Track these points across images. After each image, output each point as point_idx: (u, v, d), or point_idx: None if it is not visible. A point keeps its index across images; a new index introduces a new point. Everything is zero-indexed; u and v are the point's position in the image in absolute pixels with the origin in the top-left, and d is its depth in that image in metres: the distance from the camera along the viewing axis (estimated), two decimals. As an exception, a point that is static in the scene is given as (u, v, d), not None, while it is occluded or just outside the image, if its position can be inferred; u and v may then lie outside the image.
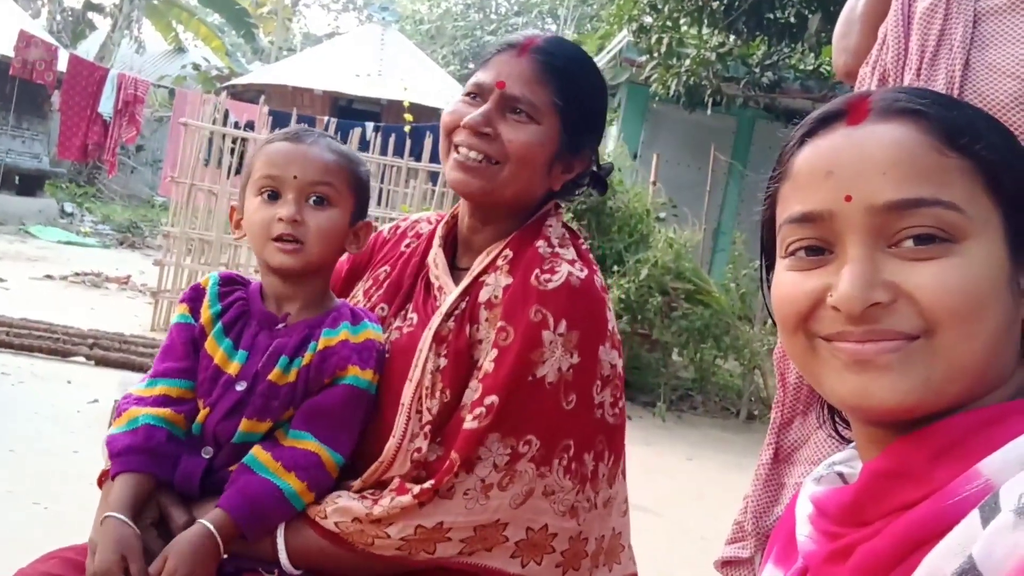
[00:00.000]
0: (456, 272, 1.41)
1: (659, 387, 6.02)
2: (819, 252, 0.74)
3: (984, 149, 0.72)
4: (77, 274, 8.62)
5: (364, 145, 7.07)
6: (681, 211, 7.39)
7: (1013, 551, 0.57)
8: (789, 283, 0.76)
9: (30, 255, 9.89)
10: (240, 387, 1.30)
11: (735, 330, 6.10)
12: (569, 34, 14.29)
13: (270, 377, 1.30)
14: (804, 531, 0.80)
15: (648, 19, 8.47)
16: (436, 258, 1.42)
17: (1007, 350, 0.72)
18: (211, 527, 1.21)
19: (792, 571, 0.82)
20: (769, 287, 0.82)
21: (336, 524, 1.24)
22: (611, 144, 9.12)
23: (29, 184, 14.32)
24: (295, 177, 1.33)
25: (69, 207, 15.04)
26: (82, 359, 5.11)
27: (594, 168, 1.45)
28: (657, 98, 9.39)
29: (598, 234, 6.05)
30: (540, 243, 1.34)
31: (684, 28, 8.42)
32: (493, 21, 24.22)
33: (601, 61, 10.79)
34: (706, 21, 7.98)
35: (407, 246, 1.50)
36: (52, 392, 4.35)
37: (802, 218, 0.75)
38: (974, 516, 0.62)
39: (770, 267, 0.83)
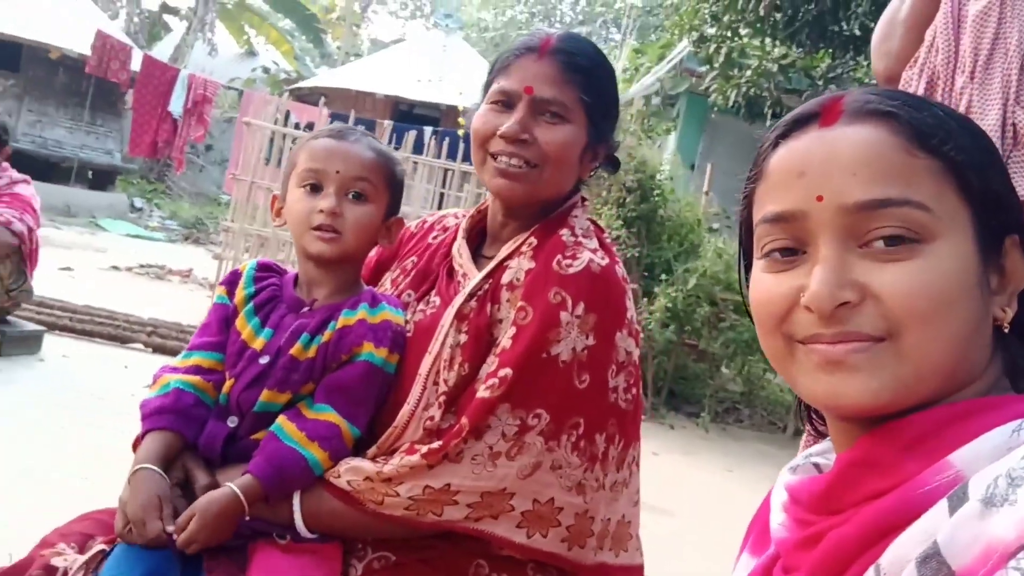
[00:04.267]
0: (481, 261, 1.46)
1: (704, 398, 5.98)
2: (793, 253, 0.76)
3: (953, 150, 0.73)
4: (142, 266, 8.91)
5: (419, 148, 7.17)
6: (734, 222, 7.31)
7: (978, 538, 0.58)
8: (765, 285, 0.77)
9: (98, 247, 10.24)
10: (263, 360, 1.38)
11: (784, 344, 5.99)
12: (632, 43, 14.22)
13: (291, 352, 1.37)
14: (778, 519, 0.81)
15: (710, 30, 8.42)
16: (460, 248, 1.48)
17: (978, 347, 0.73)
18: (238, 491, 1.27)
19: (764, 558, 0.84)
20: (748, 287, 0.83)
21: (349, 483, 1.29)
22: (668, 153, 9.08)
23: (101, 179, 14.85)
24: (337, 172, 1.41)
25: (139, 202, 15.53)
26: (140, 346, 5.29)
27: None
28: (716, 108, 9.32)
29: (648, 242, 6.04)
30: (564, 231, 1.39)
31: (746, 39, 8.35)
32: (557, 30, 24.26)
33: (662, 71, 10.74)
34: (768, 32, 7.89)
35: (434, 238, 1.57)
36: (109, 375, 4.50)
37: (776, 218, 0.76)
38: (942, 505, 0.63)
39: (748, 266, 0.84)
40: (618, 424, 1.34)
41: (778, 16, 7.59)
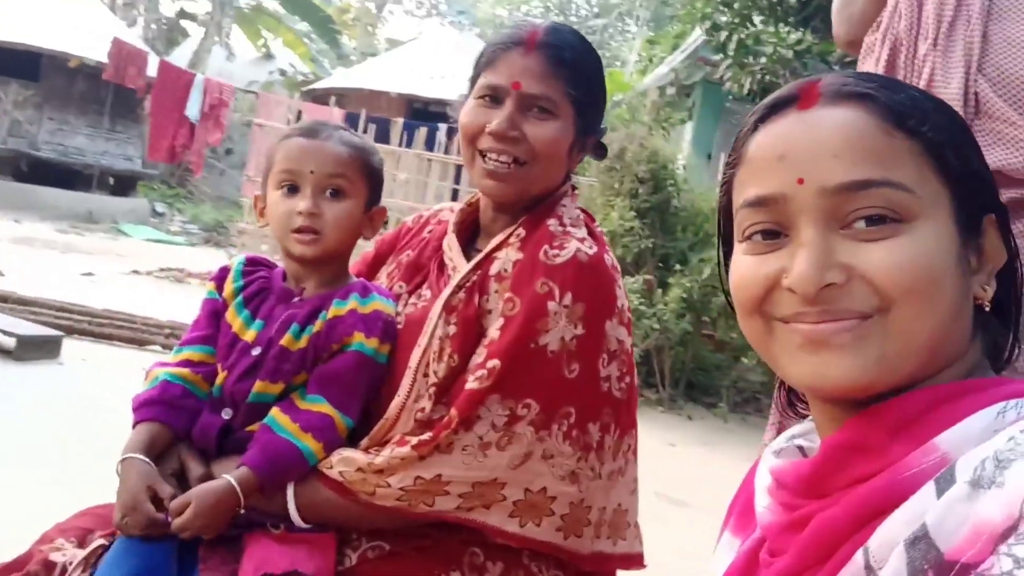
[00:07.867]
0: (472, 254, 1.46)
1: (723, 388, 5.95)
2: (774, 235, 0.75)
3: (930, 130, 0.73)
4: (162, 269, 9.01)
5: (430, 144, 7.20)
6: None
7: (966, 520, 0.58)
8: (746, 267, 0.77)
9: (119, 252, 10.37)
10: (255, 352, 1.38)
11: (803, 331, 5.96)
12: (648, 33, 14.14)
13: (282, 343, 1.37)
14: (763, 502, 0.81)
15: (722, 17, 8.36)
16: (450, 241, 1.48)
17: (959, 327, 0.73)
18: (234, 483, 1.28)
19: (749, 540, 0.84)
20: (728, 273, 0.83)
21: (341, 473, 1.30)
22: (685, 144, 9.03)
23: (123, 184, 15.04)
24: (311, 172, 1.40)
25: (160, 207, 15.71)
26: (158, 348, 5.35)
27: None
28: (732, 97, 9.25)
29: (662, 233, 6.01)
30: (552, 221, 1.39)
31: (760, 25, 8.28)
32: (573, 24, 24.20)
33: (676, 60, 10.68)
34: (781, 18, 7.82)
35: (428, 232, 1.58)
36: (126, 379, 4.55)
37: (757, 202, 0.76)
38: (929, 487, 0.63)
39: (728, 253, 0.84)
40: (613, 413, 1.33)
41: (792, 1, 7.53)
